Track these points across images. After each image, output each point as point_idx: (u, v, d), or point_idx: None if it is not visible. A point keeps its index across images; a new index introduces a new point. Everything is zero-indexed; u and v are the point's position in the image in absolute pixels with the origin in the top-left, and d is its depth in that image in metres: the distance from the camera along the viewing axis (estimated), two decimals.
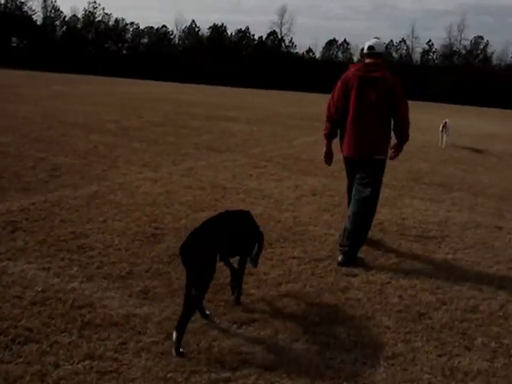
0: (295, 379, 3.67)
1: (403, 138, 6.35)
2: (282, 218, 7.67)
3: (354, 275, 5.70)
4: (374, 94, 6.10)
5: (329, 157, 6.67)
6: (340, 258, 6.02)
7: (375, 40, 6.44)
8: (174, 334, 3.85)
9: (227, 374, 3.65)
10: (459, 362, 4.08)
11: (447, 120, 18.57)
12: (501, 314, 5.05)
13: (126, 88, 42.85)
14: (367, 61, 6.34)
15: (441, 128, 18.41)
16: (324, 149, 6.65)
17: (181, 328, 3.87)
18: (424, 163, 14.01)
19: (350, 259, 6.00)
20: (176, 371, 3.63)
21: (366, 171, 6.25)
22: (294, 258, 6.06)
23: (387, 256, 6.41)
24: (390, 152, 6.45)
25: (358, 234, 6.18)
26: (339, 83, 6.39)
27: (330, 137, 6.55)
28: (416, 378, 3.81)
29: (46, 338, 3.90)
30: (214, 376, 3.61)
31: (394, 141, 6.43)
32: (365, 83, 6.15)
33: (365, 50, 6.40)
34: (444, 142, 18.16)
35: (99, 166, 10.14)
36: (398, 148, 6.44)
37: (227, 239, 4.35)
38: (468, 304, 5.19)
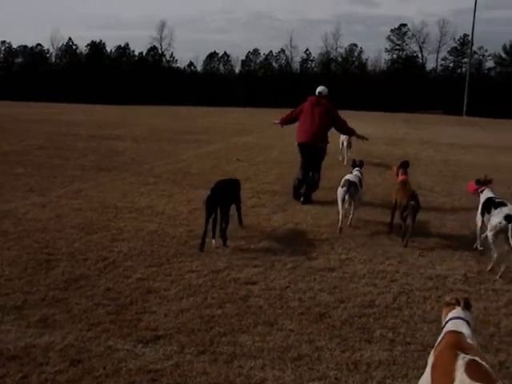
0: None
1: (350, 133, 11.64)
2: (176, 233, 7.65)
3: (254, 283, 5.80)
4: (317, 111, 10.49)
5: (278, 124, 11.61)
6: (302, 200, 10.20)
7: (322, 87, 11.10)
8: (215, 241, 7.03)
9: None
10: (361, 355, 4.27)
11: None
12: (395, 305, 5.32)
13: (1, 110, 41.02)
14: (315, 97, 10.83)
15: (345, 143, 16.45)
16: (277, 122, 11.60)
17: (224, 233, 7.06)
18: None
19: (308, 199, 10.19)
20: None
21: (312, 153, 10.58)
22: (193, 271, 6.09)
23: (284, 261, 6.55)
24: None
25: (312, 186, 10.49)
26: (300, 106, 10.94)
27: (283, 123, 11.50)
28: (323, 376, 3.94)
29: None
30: None
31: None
32: (313, 106, 10.61)
33: (316, 93, 10.92)
34: (346, 158, 16.14)
35: None
36: (358, 135, 11.46)
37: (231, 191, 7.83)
38: (364, 300, 5.43)
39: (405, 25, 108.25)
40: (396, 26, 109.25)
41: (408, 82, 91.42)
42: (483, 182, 7.56)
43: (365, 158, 17.44)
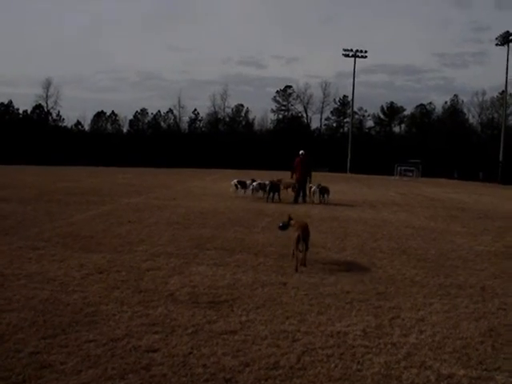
0: None
1: (310, 176, 25.86)
2: (70, 300, 7.32)
3: (155, 350, 5.62)
4: (304, 162, 25.33)
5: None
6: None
7: (302, 151, 25.53)
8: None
9: None
10: None
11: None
12: (300, 365, 5.32)
13: None
14: (301, 155, 25.43)
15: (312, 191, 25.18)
16: (291, 176, 26.18)
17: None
18: (204, 229, 14.40)
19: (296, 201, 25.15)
20: None
21: (302, 185, 25.23)
22: (91, 341, 5.81)
23: (184, 326, 6.42)
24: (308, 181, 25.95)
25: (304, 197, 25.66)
26: (296, 160, 25.37)
27: (293, 173, 25.79)
28: None
29: None
30: None
31: None
32: (302, 161, 25.34)
33: (300, 154, 25.41)
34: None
35: None
36: (310, 179, 25.83)
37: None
38: (269, 361, 5.40)
39: (290, 86, 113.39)
40: (282, 87, 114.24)
41: (294, 141, 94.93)
42: None
43: (254, 215, 17.86)
